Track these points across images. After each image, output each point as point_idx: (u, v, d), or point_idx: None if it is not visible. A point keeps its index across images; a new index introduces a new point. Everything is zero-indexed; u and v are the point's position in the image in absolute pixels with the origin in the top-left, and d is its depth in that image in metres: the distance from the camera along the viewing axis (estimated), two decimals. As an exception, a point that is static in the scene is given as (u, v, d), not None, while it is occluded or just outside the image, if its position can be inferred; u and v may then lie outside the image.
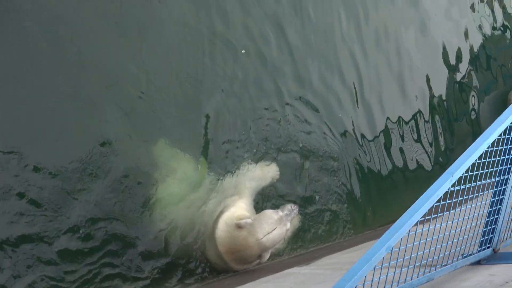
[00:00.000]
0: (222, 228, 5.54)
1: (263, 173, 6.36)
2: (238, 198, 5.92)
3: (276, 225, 5.56)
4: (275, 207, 6.14)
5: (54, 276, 4.83)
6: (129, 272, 5.25)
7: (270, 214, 5.61)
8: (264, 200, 6.41)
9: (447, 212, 3.66)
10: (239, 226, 5.48)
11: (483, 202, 4.08)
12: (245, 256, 5.63)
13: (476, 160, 3.65)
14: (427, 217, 3.40)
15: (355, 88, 8.20)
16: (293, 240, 6.47)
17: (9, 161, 4.84)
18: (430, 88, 9.53)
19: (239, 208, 5.75)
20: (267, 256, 5.71)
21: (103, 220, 5.25)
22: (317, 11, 7.99)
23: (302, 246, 6.66)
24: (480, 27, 10.91)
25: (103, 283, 5.07)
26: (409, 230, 3.29)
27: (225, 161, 6.34)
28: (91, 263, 5.05)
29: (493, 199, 4.14)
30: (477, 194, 4.07)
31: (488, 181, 4.00)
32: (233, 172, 6.27)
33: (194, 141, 6.23)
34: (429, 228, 3.52)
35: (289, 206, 5.74)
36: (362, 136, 8.10)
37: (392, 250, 3.20)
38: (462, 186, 3.63)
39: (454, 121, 9.90)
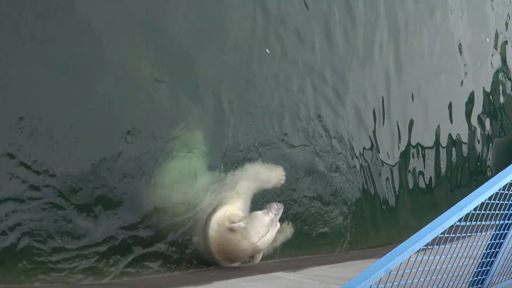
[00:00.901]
0: (214, 228, 5.54)
1: (268, 175, 6.31)
2: (236, 196, 5.89)
3: (269, 228, 5.60)
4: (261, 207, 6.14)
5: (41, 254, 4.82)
6: (115, 254, 5.24)
7: (262, 217, 5.61)
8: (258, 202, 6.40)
9: (448, 245, 3.68)
10: (232, 230, 5.48)
11: (482, 243, 4.10)
12: (237, 257, 5.65)
13: (485, 200, 3.66)
14: (429, 246, 3.41)
15: (383, 105, 8.25)
16: (283, 247, 6.50)
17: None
18: (451, 119, 9.60)
19: (234, 207, 5.73)
20: (259, 256, 5.72)
21: (99, 203, 5.22)
22: (360, 27, 8.07)
23: (289, 254, 6.68)
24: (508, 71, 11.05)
25: (91, 264, 5.05)
26: (410, 256, 3.30)
27: (231, 157, 6.34)
28: (82, 245, 5.03)
29: (493, 242, 4.16)
30: (478, 234, 4.09)
31: (492, 222, 4.01)
32: (236, 169, 6.26)
33: (202, 134, 6.23)
34: (428, 257, 3.54)
35: (275, 206, 5.75)
36: (376, 154, 8.13)
37: (390, 273, 3.21)
38: (468, 223, 3.64)
39: (471, 158, 9.97)
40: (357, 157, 7.77)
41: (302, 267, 5.98)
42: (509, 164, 4.01)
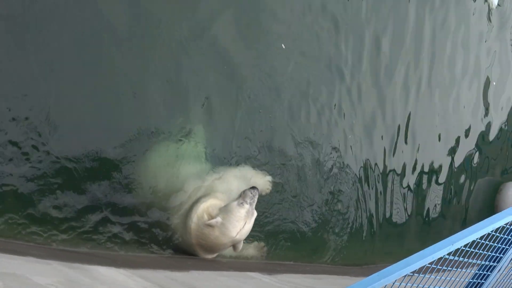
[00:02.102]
0: (194, 221, 5.52)
1: (256, 180, 6.26)
2: (222, 191, 5.88)
3: (246, 219, 5.55)
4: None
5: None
6: (97, 226, 5.18)
7: (238, 210, 5.52)
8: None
9: (432, 276, 3.70)
10: (210, 226, 5.46)
11: (464, 280, 4.12)
12: (216, 249, 5.64)
13: (477, 239, 3.69)
14: (414, 274, 3.43)
15: (407, 124, 8.33)
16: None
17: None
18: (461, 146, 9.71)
19: (216, 200, 5.71)
20: (241, 245, 5.72)
21: (90, 177, 5.22)
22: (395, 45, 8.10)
23: (267, 257, 6.66)
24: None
25: (72, 233, 5.02)
26: (395, 280, 3.32)
27: (226, 154, 6.34)
28: (66, 215, 5.01)
29: (474, 281, 4.19)
30: (460, 270, 4.12)
31: (477, 261, 4.04)
32: (229, 166, 6.27)
33: (204, 127, 6.24)
34: (412, 285, 3.55)
35: (249, 193, 5.62)
36: (384, 173, 8.20)
37: (374, 293, 3.21)
38: (456, 258, 3.66)
39: (474, 194, 10.08)
40: (354, 174, 7.79)
41: (277, 271, 5.98)
42: None
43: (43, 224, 4.86)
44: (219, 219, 5.46)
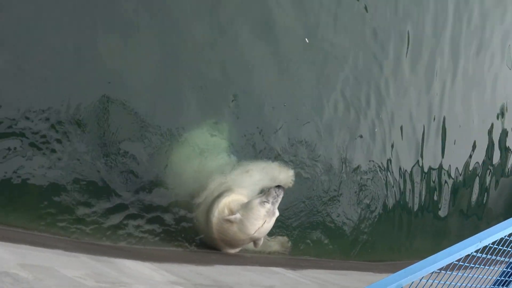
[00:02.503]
0: (215, 215, 5.52)
1: (278, 174, 6.20)
2: (244, 186, 5.87)
3: (265, 219, 5.46)
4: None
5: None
6: (123, 221, 5.25)
7: (258, 209, 5.43)
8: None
9: (460, 273, 3.66)
10: (229, 221, 5.46)
11: (492, 278, 4.07)
12: (237, 244, 5.65)
13: (505, 236, 3.64)
14: (442, 271, 3.40)
15: (431, 119, 8.23)
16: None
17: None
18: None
19: (238, 195, 5.70)
20: (261, 242, 5.70)
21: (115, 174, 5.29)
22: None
23: (291, 252, 6.66)
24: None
25: (97, 227, 5.09)
26: (422, 277, 3.29)
27: (249, 148, 6.35)
28: (94, 210, 5.09)
29: (501, 279, 4.13)
30: (488, 267, 4.06)
31: (506, 259, 3.98)
32: (251, 160, 6.27)
33: (227, 122, 6.27)
34: (439, 282, 3.52)
35: (273, 192, 5.47)
36: (413, 169, 8.13)
37: (400, 289, 3.19)
38: (483, 255, 3.62)
39: (500, 191, 9.94)
40: (383, 169, 7.72)
41: (302, 267, 5.98)
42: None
43: (71, 218, 4.92)
44: (238, 215, 5.42)
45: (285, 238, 6.37)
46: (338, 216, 7.25)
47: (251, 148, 6.37)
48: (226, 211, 5.48)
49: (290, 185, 6.37)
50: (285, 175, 6.33)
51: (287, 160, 6.61)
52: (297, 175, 6.58)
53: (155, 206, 5.47)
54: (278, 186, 5.58)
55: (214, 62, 6.16)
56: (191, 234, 5.62)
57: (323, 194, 6.97)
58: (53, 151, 4.89)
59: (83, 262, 3.94)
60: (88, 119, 5.12)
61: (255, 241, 5.64)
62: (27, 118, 4.77)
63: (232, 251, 5.69)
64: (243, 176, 5.96)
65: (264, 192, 5.60)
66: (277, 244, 6.30)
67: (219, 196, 5.64)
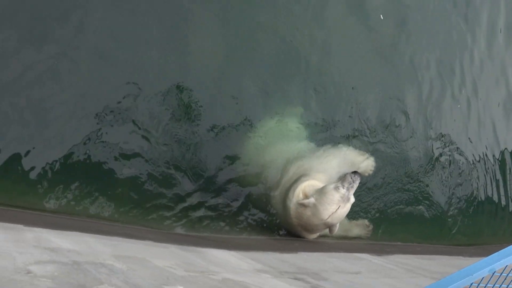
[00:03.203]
0: (291, 199, 5.54)
1: (358, 160, 5.98)
2: (322, 171, 5.82)
3: (339, 204, 5.38)
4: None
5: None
6: (207, 211, 5.42)
7: (332, 193, 5.37)
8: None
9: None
10: (303, 205, 5.45)
11: None
12: (312, 230, 5.63)
13: None
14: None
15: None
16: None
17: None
18: None
19: (315, 180, 5.65)
20: (336, 228, 5.66)
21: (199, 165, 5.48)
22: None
23: (375, 237, 6.58)
24: None
25: (185, 218, 5.28)
26: (515, 265, 3.16)
27: (327, 133, 6.33)
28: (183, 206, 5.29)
29: None
30: None
31: None
32: (330, 145, 6.21)
33: (303, 107, 6.26)
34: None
35: (349, 178, 5.39)
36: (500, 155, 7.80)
37: (493, 274, 3.08)
38: None
39: None
40: (476, 150, 7.45)
41: (387, 252, 5.89)
42: None
43: (159, 210, 5.14)
44: (312, 199, 5.40)
45: (366, 222, 6.27)
46: (425, 199, 7.08)
47: (327, 133, 6.34)
48: (301, 196, 5.49)
49: (370, 172, 6.20)
50: (364, 162, 6.20)
51: (367, 143, 6.51)
52: (379, 156, 6.46)
53: (236, 196, 5.61)
54: (355, 172, 5.50)
55: (287, 47, 6.16)
56: (273, 222, 5.68)
57: (408, 176, 6.84)
58: (139, 147, 5.10)
59: (173, 253, 4.08)
60: (165, 114, 5.29)
61: (330, 227, 5.61)
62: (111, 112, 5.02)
63: (310, 236, 5.69)
64: (320, 162, 5.91)
65: (339, 177, 5.53)
66: (357, 228, 6.22)
67: (296, 181, 5.65)
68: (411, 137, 6.93)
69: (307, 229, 5.63)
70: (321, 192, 5.45)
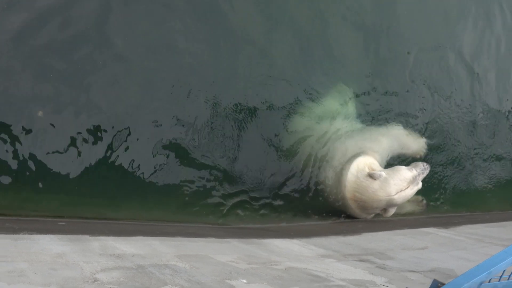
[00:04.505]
0: (353, 172, 5.44)
1: (409, 141, 6.08)
2: (375, 150, 5.76)
3: (409, 184, 5.44)
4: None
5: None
6: (272, 203, 5.48)
7: (405, 172, 5.44)
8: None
9: None
10: (371, 177, 5.36)
11: None
12: (370, 207, 5.53)
13: None
14: None
15: None
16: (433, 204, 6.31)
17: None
18: None
19: (372, 159, 5.61)
20: (392, 211, 5.59)
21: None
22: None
23: (440, 210, 6.45)
24: None
25: (245, 210, 5.36)
26: None
27: (377, 113, 6.26)
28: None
29: None
30: None
31: None
32: (379, 125, 6.15)
33: (352, 84, 6.20)
34: None
35: (421, 165, 5.55)
36: None
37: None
38: None
39: None
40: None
41: (454, 224, 5.76)
42: None
43: (219, 207, 5.23)
44: (383, 172, 5.39)
45: (419, 197, 6.17)
46: (491, 163, 6.88)
47: (376, 112, 6.27)
48: (367, 169, 5.43)
49: (422, 154, 6.23)
50: (417, 142, 6.18)
51: (418, 125, 6.39)
52: (439, 129, 6.34)
53: (290, 184, 5.62)
54: (427, 163, 5.74)
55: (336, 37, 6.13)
56: (334, 205, 5.65)
57: (469, 152, 6.65)
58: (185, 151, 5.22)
59: (235, 246, 4.14)
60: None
61: (387, 208, 5.53)
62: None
63: (363, 215, 5.60)
64: (370, 141, 5.86)
65: (412, 164, 5.67)
66: (411, 205, 6.14)
67: (354, 156, 5.58)
68: (475, 102, 6.75)
69: (363, 207, 5.53)
70: (393, 169, 5.51)
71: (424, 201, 6.15)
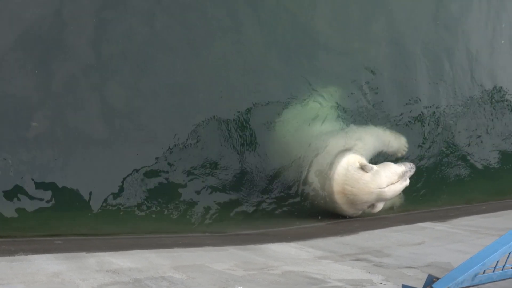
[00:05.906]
0: (343, 165, 5.45)
1: (391, 140, 6.21)
2: (360, 147, 5.80)
3: (399, 178, 5.54)
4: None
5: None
6: (265, 208, 5.51)
7: (395, 166, 5.57)
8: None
9: None
10: (363, 169, 5.40)
11: None
12: (359, 201, 5.50)
13: None
14: None
15: None
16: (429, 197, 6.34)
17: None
18: None
19: (360, 156, 5.66)
20: (380, 206, 5.60)
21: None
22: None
23: (435, 204, 6.48)
24: None
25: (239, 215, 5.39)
26: None
27: (360, 112, 6.31)
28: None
29: None
30: None
31: None
32: (362, 125, 6.21)
33: (337, 88, 6.24)
34: None
35: (409, 164, 5.72)
36: None
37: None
38: None
39: None
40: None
41: (450, 217, 5.78)
42: None
43: (215, 215, 5.26)
44: (374, 166, 5.49)
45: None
46: (485, 153, 6.93)
47: (359, 114, 6.33)
48: (358, 164, 5.47)
49: (403, 152, 6.35)
50: (398, 141, 6.32)
51: (399, 125, 6.46)
52: (429, 122, 6.38)
53: (285, 187, 5.64)
54: (412, 164, 5.88)
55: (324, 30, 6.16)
56: (319, 203, 5.67)
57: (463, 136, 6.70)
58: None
59: (232, 254, 4.15)
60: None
61: (375, 203, 5.55)
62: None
63: (349, 212, 5.60)
64: (355, 140, 5.91)
65: (399, 163, 5.78)
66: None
67: (343, 152, 5.61)
68: (470, 96, 6.81)
69: (352, 201, 5.51)
70: (384, 164, 5.63)
71: (402, 197, 6.20)
